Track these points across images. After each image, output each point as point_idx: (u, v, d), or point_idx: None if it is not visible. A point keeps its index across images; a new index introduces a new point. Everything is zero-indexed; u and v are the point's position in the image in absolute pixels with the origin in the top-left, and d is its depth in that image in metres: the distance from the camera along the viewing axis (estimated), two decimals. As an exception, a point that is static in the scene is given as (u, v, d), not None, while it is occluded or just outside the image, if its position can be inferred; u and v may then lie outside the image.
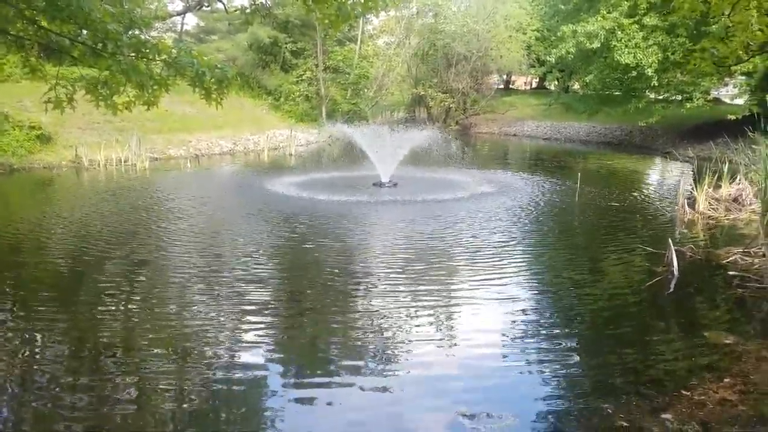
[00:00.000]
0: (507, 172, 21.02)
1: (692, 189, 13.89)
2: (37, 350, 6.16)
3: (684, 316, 7.64)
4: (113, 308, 7.48)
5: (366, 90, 37.75)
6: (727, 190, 13.49)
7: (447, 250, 10.23)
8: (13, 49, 7.66)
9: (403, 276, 8.78)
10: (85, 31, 6.02)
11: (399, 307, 7.43)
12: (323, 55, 34.45)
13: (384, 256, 9.89)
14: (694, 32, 24.62)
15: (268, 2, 7.87)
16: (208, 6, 36.42)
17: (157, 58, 5.94)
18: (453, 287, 8.39)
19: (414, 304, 7.59)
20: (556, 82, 44.46)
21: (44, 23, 5.96)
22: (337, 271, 9.03)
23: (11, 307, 7.42)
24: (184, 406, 5.14)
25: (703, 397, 5.05)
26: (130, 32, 6.16)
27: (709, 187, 13.27)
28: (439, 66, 42.48)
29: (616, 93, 31.71)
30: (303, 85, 34.19)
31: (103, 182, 17.91)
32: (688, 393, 5.14)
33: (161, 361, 5.91)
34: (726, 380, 5.36)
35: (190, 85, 6.03)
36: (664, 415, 4.80)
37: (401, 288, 8.23)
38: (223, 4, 19.17)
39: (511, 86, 56.71)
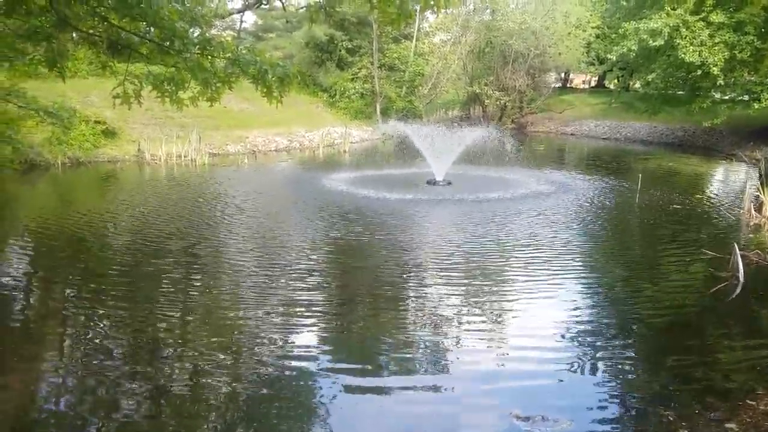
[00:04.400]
0: (564, 172, 20.60)
1: (759, 192, 13.37)
2: (98, 338, 6.40)
3: (749, 324, 7.38)
4: (171, 300, 7.71)
5: (421, 88, 37.68)
6: (796, 194, 12.92)
7: (501, 250, 10.14)
8: (83, 45, 7.94)
9: (456, 275, 8.76)
10: (152, 29, 6.19)
11: (451, 307, 7.42)
12: (378, 52, 34.57)
13: (436, 255, 9.87)
14: (763, 30, 23.66)
15: (325, 1, 7.91)
16: (266, 4, 36.98)
17: (221, 56, 6.06)
18: (507, 287, 8.31)
19: (467, 303, 7.57)
20: (617, 81, 43.35)
21: (114, 21, 6.14)
22: (388, 269, 9.06)
23: (75, 297, 7.74)
24: (237, 397, 5.26)
25: (769, 408, 4.88)
26: (191, 29, 6.29)
27: (777, 191, 12.74)
28: (496, 64, 41.84)
29: (680, 92, 30.69)
30: (358, 82, 34.39)
31: (164, 177, 18.44)
32: (753, 403, 4.98)
33: (215, 353, 6.06)
34: (794, 391, 5.16)
35: (252, 83, 6.13)
36: (727, 425, 4.65)
37: (454, 287, 8.22)
38: (282, 2, 19.40)
39: (568, 85, 55.62)
